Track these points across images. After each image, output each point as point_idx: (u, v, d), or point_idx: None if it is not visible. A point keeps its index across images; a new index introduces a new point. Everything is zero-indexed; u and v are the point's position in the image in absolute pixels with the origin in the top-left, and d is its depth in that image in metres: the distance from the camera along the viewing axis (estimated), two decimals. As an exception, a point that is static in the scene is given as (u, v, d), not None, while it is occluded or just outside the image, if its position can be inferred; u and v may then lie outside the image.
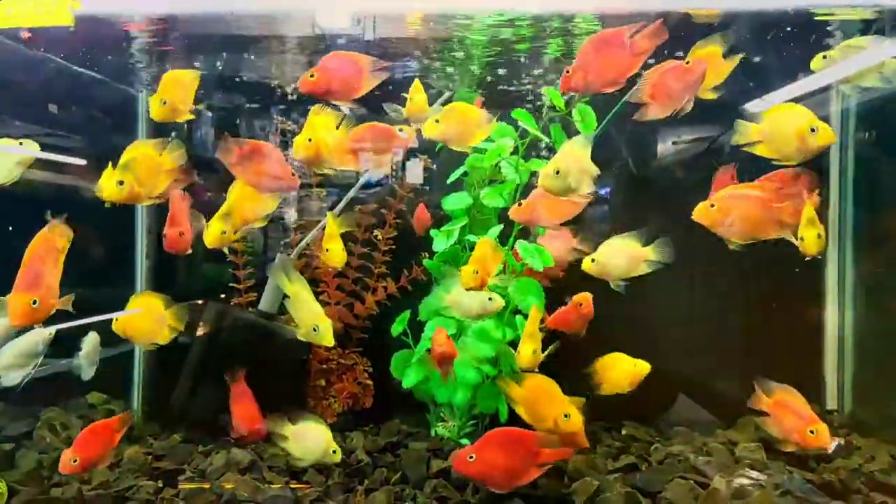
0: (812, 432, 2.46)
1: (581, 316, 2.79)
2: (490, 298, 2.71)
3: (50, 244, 2.32)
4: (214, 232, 2.65)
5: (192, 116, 2.69)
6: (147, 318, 2.72)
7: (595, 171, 2.51)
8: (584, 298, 2.76)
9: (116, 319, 2.65)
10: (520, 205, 2.75)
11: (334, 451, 2.64)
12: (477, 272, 2.58)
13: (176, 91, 2.62)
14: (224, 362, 3.41)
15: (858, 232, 3.70)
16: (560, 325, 2.85)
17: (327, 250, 2.80)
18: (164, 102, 2.58)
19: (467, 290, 2.64)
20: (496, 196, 3.28)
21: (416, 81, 2.96)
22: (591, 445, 3.21)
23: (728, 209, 2.42)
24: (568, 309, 2.82)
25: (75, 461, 2.43)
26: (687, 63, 2.51)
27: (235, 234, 2.78)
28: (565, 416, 2.52)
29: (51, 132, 3.99)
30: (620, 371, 2.80)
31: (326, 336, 2.59)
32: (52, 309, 2.29)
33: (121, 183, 2.46)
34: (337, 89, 2.53)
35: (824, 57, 2.74)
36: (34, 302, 2.20)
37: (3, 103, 3.44)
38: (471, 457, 2.44)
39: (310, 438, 2.66)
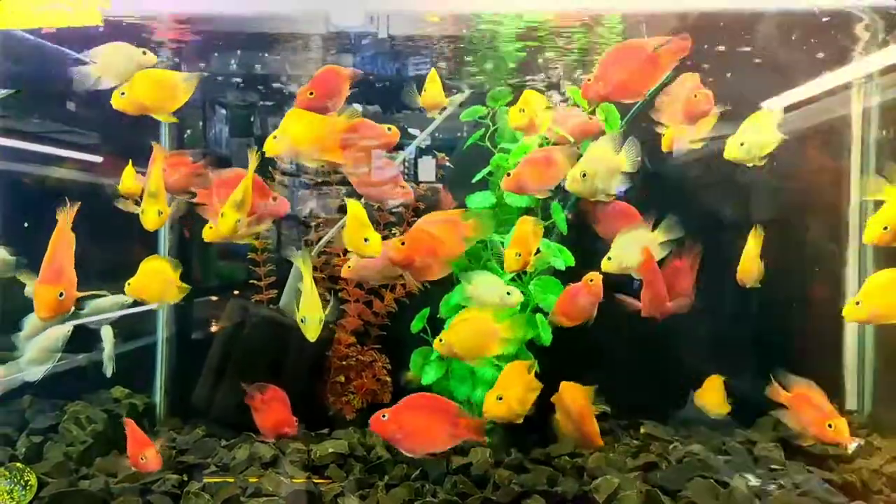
0: (830, 426, 2.47)
1: (590, 295, 2.76)
2: (509, 293, 2.70)
3: (67, 236, 2.36)
4: (229, 221, 2.64)
5: (173, 119, 2.69)
6: (157, 279, 2.74)
7: (625, 167, 2.54)
8: (595, 276, 2.75)
9: (129, 283, 2.65)
10: (509, 175, 2.78)
11: (509, 294, 2.69)
12: (519, 255, 2.56)
13: (143, 88, 2.57)
14: (245, 358, 3.48)
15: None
16: (567, 308, 2.81)
17: (366, 240, 2.63)
18: (123, 94, 2.54)
19: (510, 272, 2.65)
20: (520, 195, 3.29)
21: (433, 71, 3.00)
22: (610, 444, 3.24)
23: (418, 243, 2.55)
24: (577, 286, 2.80)
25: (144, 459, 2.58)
26: (695, 97, 2.60)
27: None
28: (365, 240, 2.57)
29: (74, 130, 4.06)
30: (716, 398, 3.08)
31: (310, 330, 2.53)
32: (74, 299, 2.32)
33: (160, 213, 2.57)
34: (329, 105, 2.67)
35: (741, 144, 2.73)
36: (60, 294, 2.23)
37: (29, 100, 3.51)
38: (384, 416, 2.46)
39: (486, 285, 2.73)
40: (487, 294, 2.74)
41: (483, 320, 2.65)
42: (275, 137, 2.55)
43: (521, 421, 2.60)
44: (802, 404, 2.57)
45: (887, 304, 2.38)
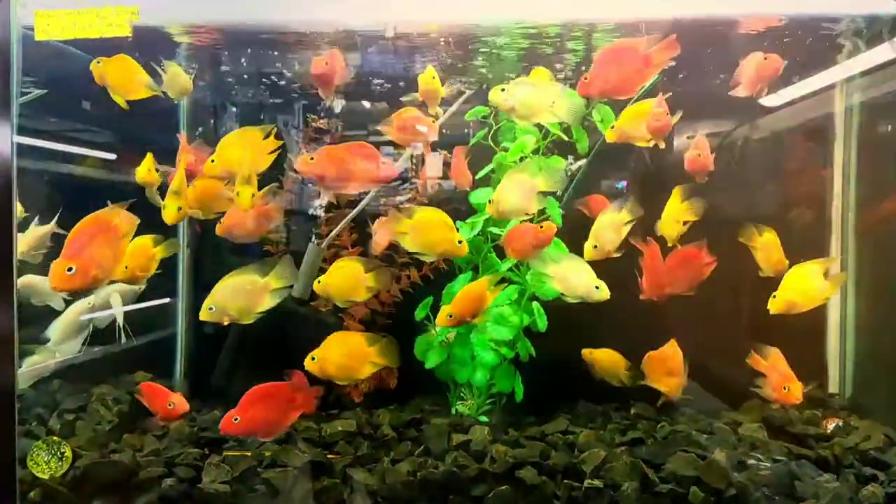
0: (785, 388, 2.70)
1: (535, 237, 2.95)
2: (597, 287, 2.86)
3: (102, 223, 2.49)
4: (246, 197, 2.85)
5: (123, 105, 2.94)
6: (141, 256, 2.92)
7: (541, 187, 2.88)
8: (547, 224, 2.95)
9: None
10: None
11: (597, 288, 2.84)
12: (451, 316, 2.79)
13: (112, 68, 2.93)
14: (259, 345, 3.70)
15: (860, 225, 3.86)
16: (512, 239, 3.01)
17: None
18: (99, 63, 2.92)
19: (439, 326, 2.94)
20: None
21: (430, 67, 3.20)
22: (601, 424, 3.44)
23: (327, 159, 2.80)
24: (528, 226, 2.99)
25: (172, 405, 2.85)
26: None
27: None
28: (459, 242, 2.88)
29: (96, 129, 4.28)
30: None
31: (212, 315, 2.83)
32: (94, 281, 2.45)
33: (179, 209, 2.79)
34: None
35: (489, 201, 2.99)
36: (70, 269, 2.36)
37: (55, 102, 3.72)
38: (235, 419, 2.71)
39: (576, 273, 2.89)
40: (575, 283, 2.90)
41: (356, 343, 2.90)
42: (212, 161, 2.84)
43: (343, 383, 2.87)
44: (771, 370, 2.83)
45: (799, 295, 2.83)
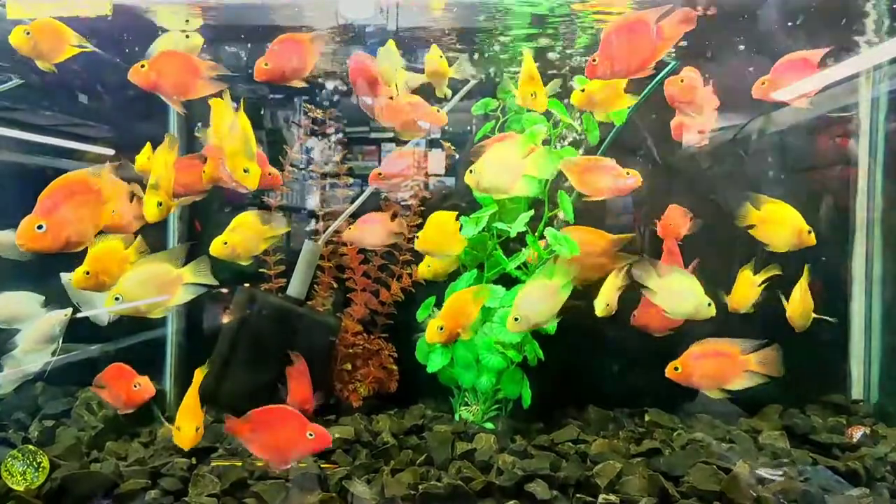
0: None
1: (616, 179, 2.71)
2: (709, 304, 2.58)
3: (81, 183, 2.29)
4: (255, 173, 2.69)
5: (52, 69, 2.69)
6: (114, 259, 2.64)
7: (529, 172, 2.63)
8: (635, 173, 2.73)
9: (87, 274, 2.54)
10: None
11: (709, 304, 2.57)
12: (442, 328, 2.61)
13: (39, 31, 2.62)
14: (253, 346, 3.52)
15: (886, 223, 3.68)
16: (585, 172, 2.77)
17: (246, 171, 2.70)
18: (28, 33, 2.61)
19: (430, 343, 2.76)
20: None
21: (434, 46, 3.01)
22: (614, 431, 3.27)
23: (160, 64, 2.65)
24: (612, 165, 2.75)
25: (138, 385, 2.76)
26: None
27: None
28: None
29: (86, 123, 4.12)
30: None
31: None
32: (66, 244, 2.25)
33: (159, 204, 2.56)
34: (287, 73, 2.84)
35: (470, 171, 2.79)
36: (40, 226, 2.17)
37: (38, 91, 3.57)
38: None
39: (681, 290, 2.60)
40: (681, 300, 2.60)
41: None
42: None
43: None
44: None
45: None
